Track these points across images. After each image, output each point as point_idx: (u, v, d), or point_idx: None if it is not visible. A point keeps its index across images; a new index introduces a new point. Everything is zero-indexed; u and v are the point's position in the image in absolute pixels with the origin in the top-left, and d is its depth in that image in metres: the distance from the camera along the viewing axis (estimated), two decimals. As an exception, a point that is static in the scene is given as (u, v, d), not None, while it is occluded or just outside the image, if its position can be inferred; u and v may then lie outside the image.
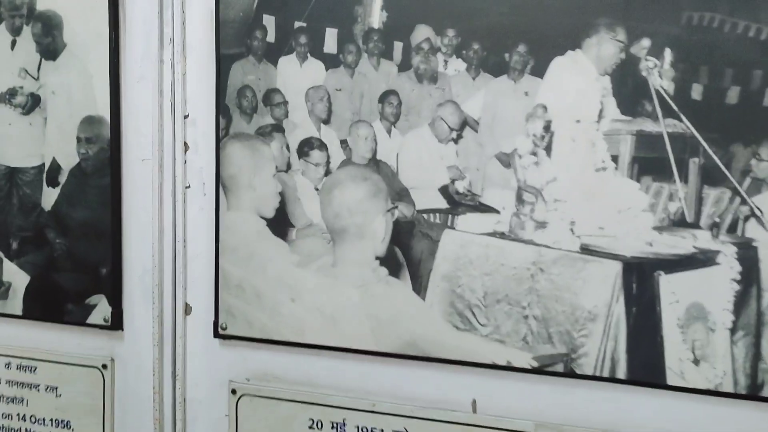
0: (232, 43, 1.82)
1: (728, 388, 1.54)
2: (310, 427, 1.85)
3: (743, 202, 1.50)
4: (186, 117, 1.90)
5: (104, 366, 2.01)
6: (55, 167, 1.99)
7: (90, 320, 1.98)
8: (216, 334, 1.90)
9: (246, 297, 1.86)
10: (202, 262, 1.92)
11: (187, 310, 1.95)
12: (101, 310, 1.98)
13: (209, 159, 1.88)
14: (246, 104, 1.83)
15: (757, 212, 1.49)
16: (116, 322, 1.97)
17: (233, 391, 1.90)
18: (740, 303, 1.52)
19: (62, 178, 1.99)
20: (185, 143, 1.91)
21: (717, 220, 1.52)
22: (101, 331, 2.00)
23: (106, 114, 1.92)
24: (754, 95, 1.47)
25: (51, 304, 2.01)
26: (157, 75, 1.89)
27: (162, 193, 1.92)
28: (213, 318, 1.90)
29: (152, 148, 1.91)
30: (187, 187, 1.92)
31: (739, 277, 1.51)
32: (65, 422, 2.06)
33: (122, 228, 1.96)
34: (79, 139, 1.95)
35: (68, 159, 1.97)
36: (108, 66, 1.88)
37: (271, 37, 1.79)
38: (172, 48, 1.88)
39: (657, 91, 1.52)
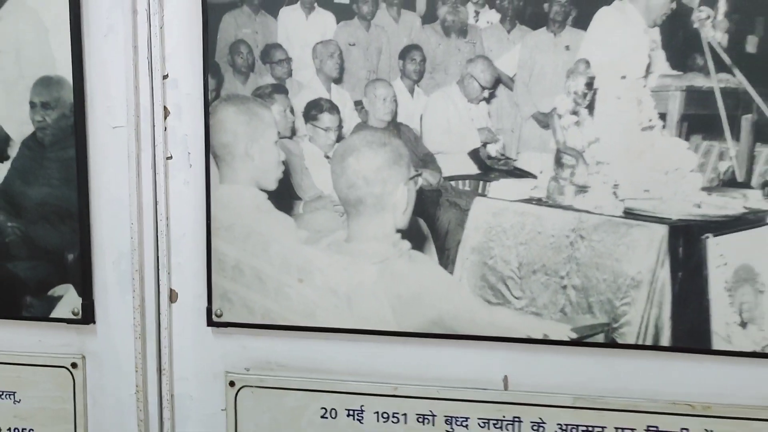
0: (222, -9, 1.60)
1: (774, 349, 1.53)
2: (323, 417, 1.72)
3: (795, 159, 1.46)
4: (165, 77, 1.67)
5: (74, 365, 1.78)
6: (3, 138, 1.71)
7: (54, 314, 1.74)
8: (210, 323, 1.71)
9: (245, 280, 1.68)
10: (189, 243, 1.72)
11: (173, 297, 1.75)
12: (68, 302, 1.74)
13: (195, 125, 1.67)
14: (240, 62, 1.62)
15: (809, 170, 1.46)
16: (87, 315, 1.74)
17: (231, 383, 1.74)
18: (789, 263, 1.50)
19: (12, 151, 1.71)
20: (165, 107, 1.68)
21: (768, 178, 1.49)
22: (69, 326, 1.76)
23: (66, 74, 1.65)
24: (810, 48, 1.42)
25: (4, 298, 1.75)
26: (130, 28, 1.64)
27: (139, 165, 1.69)
28: (206, 305, 1.71)
29: (126, 113, 1.67)
30: (168, 158, 1.70)
31: (788, 237, 1.49)
32: (26, 431, 1.81)
33: (90, 207, 1.72)
34: (33, 105, 1.68)
35: (20, 128, 1.69)
36: (68, 17, 1.63)
37: (269, -16, 1.59)
38: None
39: (709, 44, 1.46)
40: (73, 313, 1.75)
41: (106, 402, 1.80)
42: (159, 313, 1.75)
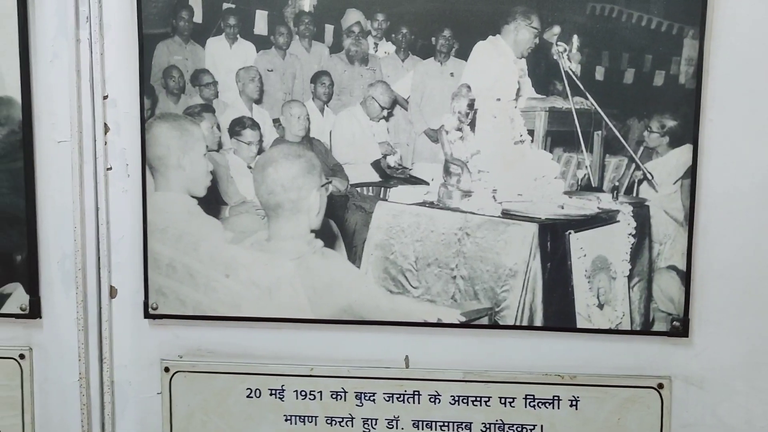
0: (156, 23, 1.81)
1: (626, 326, 1.81)
2: (248, 397, 1.92)
3: (637, 168, 1.76)
4: (105, 98, 1.86)
5: (21, 356, 1.94)
6: (-44, 152, 1.87)
7: (4, 310, 1.90)
8: (146, 315, 1.90)
9: (178, 276, 1.87)
10: (127, 244, 1.91)
11: (113, 292, 1.94)
12: (17, 298, 1.90)
13: (133, 140, 1.87)
14: (173, 84, 1.83)
15: (649, 176, 1.76)
16: (34, 310, 1.91)
17: (166, 369, 1.92)
18: (635, 254, 1.78)
19: (-35, 163, 1.88)
20: (105, 124, 1.87)
21: (617, 183, 1.77)
22: (17, 321, 1.92)
23: (15, 95, 1.83)
24: (646, 76, 1.72)
25: (-44, 296, 1.91)
26: (74, 54, 1.83)
27: (82, 176, 1.88)
28: (142, 299, 1.90)
29: (70, 129, 1.86)
30: (108, 169, 1.89)
31: (634, 232, 1.77)
32: (-24, 418, 1.97)
33: (37, 213, 1.89)
34: (-16, 122, 1.85)
35: (-28, 143, 1.86)
36: (17, 44, 1.81)
37: (198, 18, 1.81)
38: (89, 27, 1.83)
39: (566, 73, 1.73)
40: (21, 309, 1.91)
41: (52, 389, 1.96)
42: (100, 308, 1.93)
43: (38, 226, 1.90)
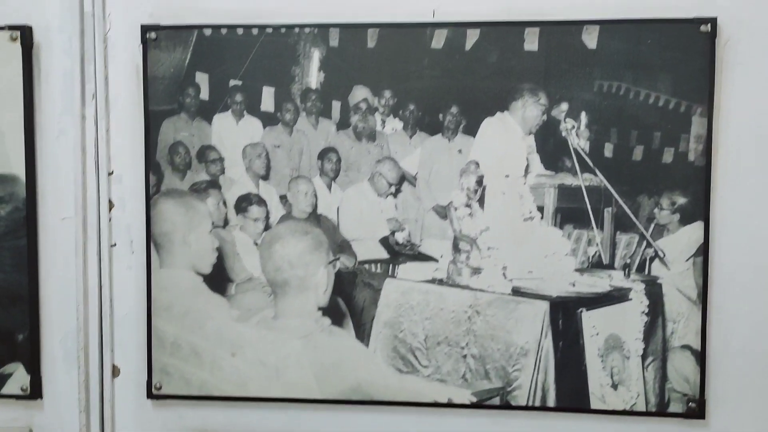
0: (163, 100, 1.81)
1: (641, 407, 1.76)
2: (254, 480, 1.86)
3: (649, 245, 1.74)
4: (110, 174, 1.85)
5: None
6: (-41, 229, 1.86)
7: (4, 391, 1.86)
8: (150, 395, 1.86)
9: (182, 354, 1.84)
10: (131, 322, 1.88)
11: (115, 372, 1.90)
12: (18, 378, 1.86)
13: (138, 216, 1.85)
14: (178, 161, 1.82)
15: (660, 254, 1.74)
16: (35, 391, 1.87)
17: (169, 451, 1.87)
18: (649, 332, 1.75)
19: (-32, 241, 1.85)
20: (110, 200, 1.86)
21: (628, 261, 1.75)
22: (17, 402, 1.88)
23: (20, 172, 1.82)
24: (655, 153, 1.71)
25: (-44, 376, 1.87)
26: (79, 131, 1.83)
27: (86, 252, 1.86)
28: (146, 378, 1.86)
29: (74, 206, 1.84)
30: (112, 246, 1.87)
31: (647, 310, 1.74)
32: (-27, 502, 1.91)
33: (39, 290, 1.87)
34: (-12, 199, 1.83)
35: (-24, 220, 1.84)
36: (23, 122, 1.81)
37: (204, 95, 1.81)
38: (95, 104, 1.83)
39: (575, 149, 1.73)
40: (22, 390, 1.87)
41: (51, 472, 1.91)
42: (102, 388, 1.89)
43: (41, 303, 1.87)
